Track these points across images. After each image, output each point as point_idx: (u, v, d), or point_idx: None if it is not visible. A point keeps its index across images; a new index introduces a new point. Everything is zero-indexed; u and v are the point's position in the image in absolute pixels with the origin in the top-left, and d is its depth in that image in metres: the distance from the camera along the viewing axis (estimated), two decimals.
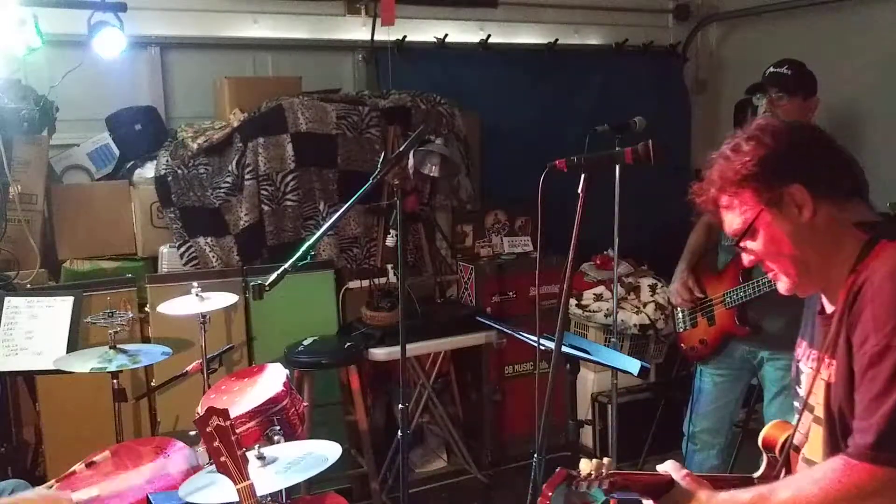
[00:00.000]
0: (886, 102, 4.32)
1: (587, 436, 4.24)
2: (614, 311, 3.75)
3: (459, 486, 4.08)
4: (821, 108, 2.94)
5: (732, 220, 1.51)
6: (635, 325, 4.16)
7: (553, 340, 2.01)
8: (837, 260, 1.45)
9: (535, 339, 2.36)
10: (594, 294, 4.35)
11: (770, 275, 1.55)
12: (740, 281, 2.95)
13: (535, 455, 2.04)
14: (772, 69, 2.95)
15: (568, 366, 2.45)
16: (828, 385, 1.46)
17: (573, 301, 4.30)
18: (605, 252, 4.48)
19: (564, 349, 2.28)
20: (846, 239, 1.45)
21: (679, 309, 3.27)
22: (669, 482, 1.51)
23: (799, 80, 2.90)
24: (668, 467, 1.55)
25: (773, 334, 2.94)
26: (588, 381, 4.25)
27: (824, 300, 1.53)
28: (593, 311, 4.27)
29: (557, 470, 1.42)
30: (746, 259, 1.55)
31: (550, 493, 1.40)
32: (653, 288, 4.35)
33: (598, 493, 1.44)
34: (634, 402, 4.19)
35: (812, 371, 1.53)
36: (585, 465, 1.43)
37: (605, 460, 1.43)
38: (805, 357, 1.61)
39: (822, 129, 1.54)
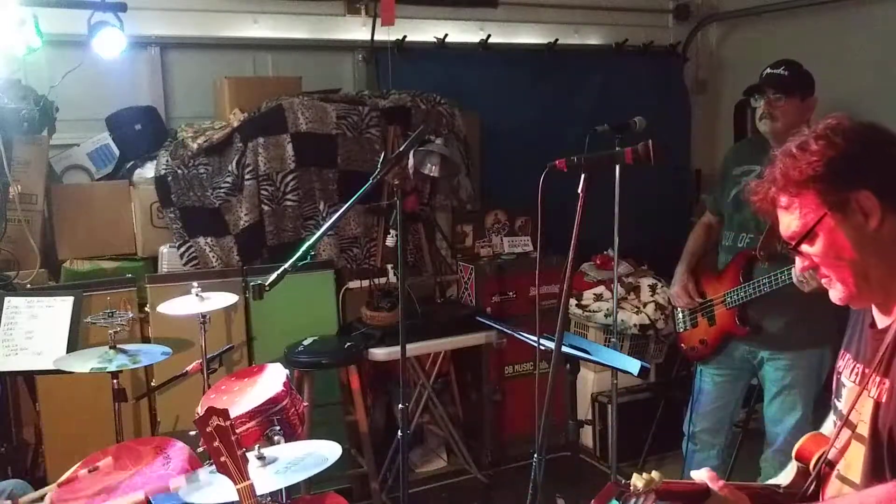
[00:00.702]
0: (886, 102, 4.32)
1: (587, 436, 4.24)
2: (614, 311, 3.74)
3: (459, 486, 4.07)
4: (819, 107, 2.94)
5: (790, 223, 1.43)
6: (635, 325, 4.16)
7: (553, 340, 2.00)
8: None
9: (535, 339, 2.36)
10: (594, 294, 4.35)
11: (824, 281, 1.46)
12: (740, 281, 2.96)
13: (535, 455, 2.04)
14: (769, 70, 2.94)
15: (568, 366, 2.45)
16: (877, 404, 1.40)
17: (573, 301, 4.30)
18: (605, 252, 4.48)
19: (564, 349, 2.28)
20: None
21: (679, 309, 3.27)
22: (706, 490, 1.46)
23: (796, 80, 2.89)
24: (703, 476, 1.49)
25: (774, 334, 2.94)
26: (588, 381, 4.25)
27: (875, 313, 1.47)
28: (593, 311, 4.27)
29: (607, 485, 1.36)
30: (800, 264, 1.47)
31: None
32: (653, 288, 4.35)
33: None
34: (634, 402, 4.19)
35: (856, 386, 1.47)
36: (638, 480, 1.36)
37: (655, 474, 1.36)
38: (848, 370, 1.54)
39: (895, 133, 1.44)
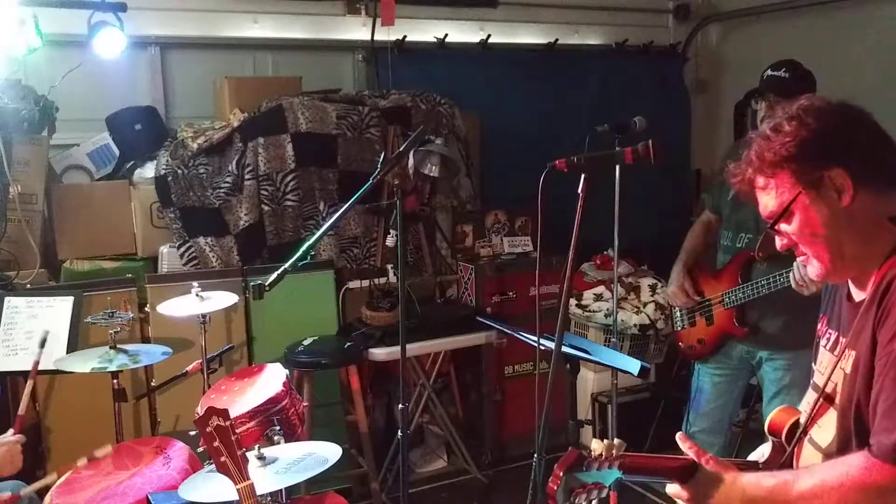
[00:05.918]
0: (886, 102, 4.30)
1: (587, 436, 4.23)
2: (614, 311, 3.74)
3: (459, 486, 4.08)
4: None
5: (768, 202, 1.47)
6: (635, 325, 4.16)
7: (553, 340, 2.01)
8: (871, 250, 1.42)
9: (535, 339, 2.36)
10: (594, 294, 4.35)
11: (801, 259, 1.51)
12: (739, 282, 2.95)
13: (535, 455, 2.04)
14: (769, 72, 2.91)
15: (568, 366, 2.45)
16: (845, 375, 1.45)
17: (573, 301, 4.30)
18: (605, 252, 4.48)
19: (564, 349, 2.28)
20: (882, 230, 1.42)
21: (677, 307, 3.27)
22: (693, 465, 1.48)
23: (797, 82, 2.87)
24: (688, 451, 1.52)
25: (772, 335, 2.94)
26: (588, 381, 4.25)
27: (852, 286, 1.50)
28: (593, 311, 4.27)
29: (569, 450, 1.36)
30: (779, 243, 1.51)
31: (561, 474, 1.33)
32: (653, 288, 4.35)
33: (608, 474, 1.39)
34: (634, 402, 4.19)
35: (832, 356, 1.52)
36: (597, 446, 1.39)
37: (616, 441, 1.40)
38: (826, 338, 1.58)
39: (868, 113, 1.49)
